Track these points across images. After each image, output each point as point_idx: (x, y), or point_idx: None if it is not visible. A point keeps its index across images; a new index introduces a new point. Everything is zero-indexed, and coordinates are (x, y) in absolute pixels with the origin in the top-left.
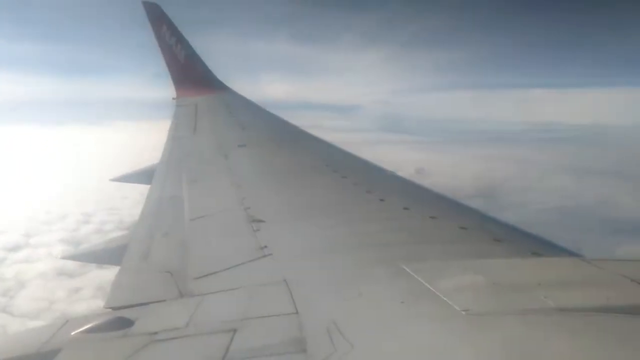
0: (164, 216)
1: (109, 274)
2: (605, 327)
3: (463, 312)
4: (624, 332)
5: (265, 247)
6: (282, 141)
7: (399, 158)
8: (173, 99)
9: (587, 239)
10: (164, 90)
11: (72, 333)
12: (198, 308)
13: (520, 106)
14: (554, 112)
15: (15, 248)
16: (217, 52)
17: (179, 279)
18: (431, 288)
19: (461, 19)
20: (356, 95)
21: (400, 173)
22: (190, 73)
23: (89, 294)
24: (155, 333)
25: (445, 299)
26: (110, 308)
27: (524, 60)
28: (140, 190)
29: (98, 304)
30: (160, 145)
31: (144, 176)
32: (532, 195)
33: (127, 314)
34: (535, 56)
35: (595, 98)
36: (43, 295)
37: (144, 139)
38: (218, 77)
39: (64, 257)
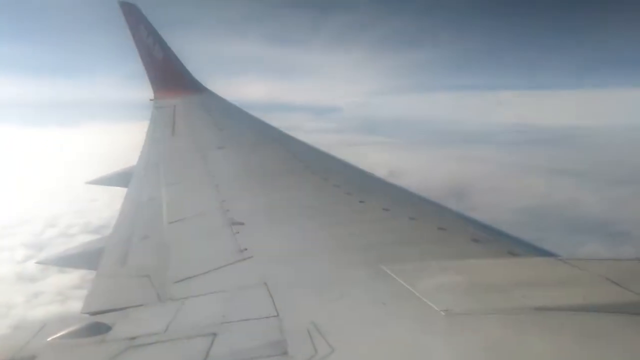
0: (142, 219)
1: (69, 278)
2: (583, 326)
3: (443, 313)
4: (601, 330)
5: (245, 249)
6: (262, 143)
7: (373, 159)
8: (151, 100)
9: (553, 238)
10: (142, 91)
11: (48, 339)
12: (177, 312)
13: (494, 108)
14: (528, 113)
15: None
16: (193, 53)
17: (157, 283)
18: (411, 289)
19: (437, 20)
20: (334, 96)
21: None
22: (168, 74)
23: (48, 299)
24: (134, 338)
25: (425, 299)
26: (87, 313)
27: (499, 62)
28: (111, 193)
29: (57, 309)
30: (138, 147)
31: (122, 178)
32: (502, 195)
33: (104, 319)
34: (511, 58)
35: (566, 100)
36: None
37: (122, 140)
38: (195, 78)
39: (40, 262)
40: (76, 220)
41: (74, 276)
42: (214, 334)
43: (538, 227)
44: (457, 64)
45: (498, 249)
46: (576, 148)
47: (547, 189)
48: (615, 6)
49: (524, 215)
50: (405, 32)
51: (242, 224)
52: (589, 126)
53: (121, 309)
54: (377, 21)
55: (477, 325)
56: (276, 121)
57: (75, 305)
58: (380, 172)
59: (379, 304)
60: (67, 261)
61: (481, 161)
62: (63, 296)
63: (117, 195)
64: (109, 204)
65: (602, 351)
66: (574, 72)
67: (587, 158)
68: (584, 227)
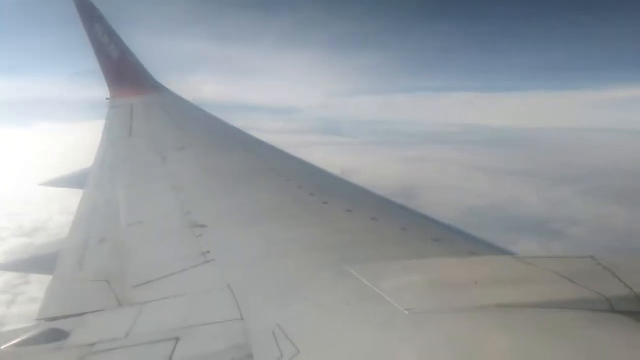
0: (100, 222)
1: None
2: (543, 323)
3: (406, 312)
4: (560, 326)
5: (208, 252)
6: (223, 143)
7: (329, 159)
8: (107, 99)
9: (491, 236)
10: (97, 90)
11: (2, 347)
12: (138, 317)
13: (451, 109)
14: (483, 115)
15: None
16: (148, 52)
17: (117, 288)
18: (375, 289)
19: (397, 23)
20: (294, 97)
21: None
22: (125, 73)
23: None
24: (93, 344)
25: (388, 299)
26: (43, 319)
27: (457, 65)
28: (49, 195)
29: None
30: (94, 148)
31: (77, 180)
32: (450, 195)
33: (61, 325)
34: (468, 61)
35: (520, 102)
36: None
37: (77, 141)
38: (153, 77)
39: None
40: (8, 225)
41: (17, 281)
42: (177, 339)
43: (479, 225)
44: (415, 66)
45: (458, 249)
46: (526, 149)
47: (493, 189)
48: (570, 11)
49: (468, 214)
50: (366, 34)
51: (204, 226)
52: (541, 127)
53: (79, 314)
54: (338, 22)
55: (440, 323)
56: (235, 121)
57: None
58: (335, 172)
59: (344, 305)
60: (16, 266)
61: (434, 161)
62: None
63: (62, 196)
64: (43, 206)
65: (563, 347)
66: (529, 75)
67: (536, 159)
68: (522, 225)
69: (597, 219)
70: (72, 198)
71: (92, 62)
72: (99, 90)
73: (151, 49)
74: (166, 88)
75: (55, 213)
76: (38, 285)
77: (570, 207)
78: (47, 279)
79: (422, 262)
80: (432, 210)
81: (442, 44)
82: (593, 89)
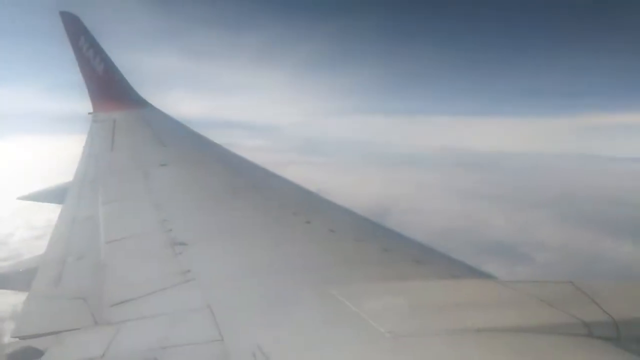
0: (78, 238)
1: None
2: (520, 346)
3: (388, 334)
4: (537, 350)
5: (188, 271)
6: (206, 161)
7: (304, 178)
8: (89, 113)
9: (463, 259)
10: (80, 104)
11: None
12: (115, 337)
13: (424, 131)
14: (455, 138)
15: None
16: (128, 67)
17: (93, 306)
18: (357, 311)
19: (374, 44)
20: (274, 115)
21: None
22: (109, 87)
23: None
24: None
25: (370, 321)
26: (17, 337)
27: (431, 88)
28: (17, 208)
29: None
30: (74, 162)
31: (56, 195)
32: (420, 216)
33: (36, 343)
34: (441, 84)
35: (493, 126)
36: None
37: (57, 155)
38: (137, 92)
39: None
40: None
41: None
42: None
43: (447, 247)
44: (394, 88)
45: (440, 271)
46: (500, 172)
47: (464, 211)
48: (546, 39)
49: (436, 235)
50: (348, 55)
51: (185, 244)
52: (515, 152)
53: (55, 332)
54: (320, 42)
55: (420, 346)
56: (215, 138)
57: None
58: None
59: (325, 326)
60: None
61: (409, 183)
62: None
63: (36, 211)
64: (9, 220)
65: None
66: (505, 100)
67: (508, 182)
68: (490, 248)
69: (564, 242)
70: (41, 213)
71: (74, 75)
72: (81, 103)
73: (133, 64)
74: (150, 104)
75: (19, 227)
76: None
77: (538, 230)
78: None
79: (403, 284)
80: (402, 231)
81: (421, 68)
82: (567, 115)
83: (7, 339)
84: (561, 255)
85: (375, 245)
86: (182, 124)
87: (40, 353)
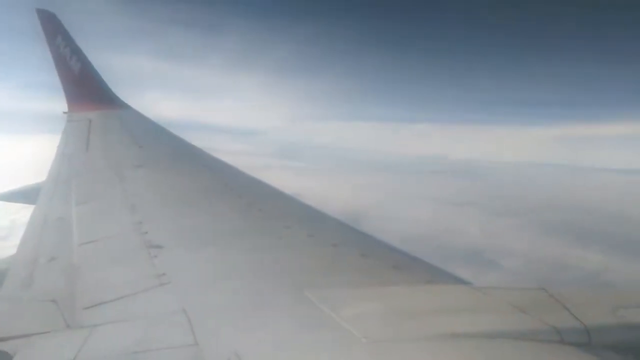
0: (50, 239)
1: None
2: (493, 352)
3: (364, 340)
4: (509, 356)
5: (164, 274)
6: (183, 163)
7: (282, 183)
8: (64, 112)
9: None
10: (55, 103)
11: None
12: (87, 341)
13: (403, 139)
14: (433, 146)
15: None
16: (106, 68)
17: (65, 309)
18: (334, 316)
19: (363, 52)
20: (257, 120)
21: None
22: (85, 86)
23: None
24: None
25: (347, 326)
26: None
27: (420, 96)
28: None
29: None
30: (48, 162)
31: (29, 195)
32: (393, 222)
33: (5, 346)
34: (431, 93)
35: (471, 134)
36: None
37: (30, 154)
38: (114, 93)
39: None
40: None
41: None
42: None
43: (417, 253)
44: (375, 95)
45: (416, 277)
46: (476, 180)
47: (437, 218)
48: (528, 48)
49: (407, 241)
50: (330, 61)
51: (160, 247)
52: (496, 161)
53: (25, 336)
54: (304, 48)
55: (397, 351)
56: (193, 141)
57: None
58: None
59: (302, 331)
60: None
61: (387, 189)
62: None
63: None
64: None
65: None
66: (485, 109)
67: (483, 190)
68: (459, 255)
69: (534, 250)
70: (6, 214)
71: (49, 74)
72: (56, 103)
73: (111, 64)
74: (127, 104)
75: None
76: None
77: (510, 238)
78: None
79: (381, 289)
80: (379, 236)
81: (403, 75)
82: (548, 125)
83: None
84: (530, 263)
85: (353, 251)
86: (159, 125)
87: (9, 357)
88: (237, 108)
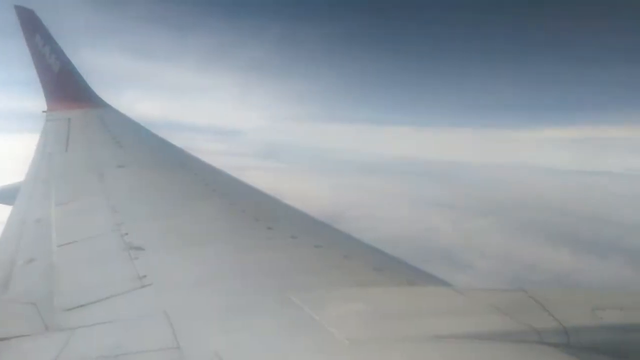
0: (29, 240)
1: None
2: (474, 353)
3: (346, 341)
4: (490, 357)
5: (145, 276)
6: (165, 163)
7: (265, 184)
8: (43, 112)
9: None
10: (34, 101)
11: None
12: (67, 343)
13: (383, 141)
14: (413, 148)
15: None
16: (85, 67)
17: (44, 311)
18: (316, 317)
19: (343, 54)
20: (238, 119)
21: None
22: (65, 85)
23: None
24: None
25: (329, 327)
26: None
27: (399, 99)
28: None
29: None
30: (27, 162)
31: (6, 195)
32: (370, 223)
33: None
34: (411, 95)
35: (451, 136)
36: None
37: (8, 154)
38: (94, 92)
39: None
40: None
41: None
42: None
43: (394, 253)
44: (357, 96)
45: (398, 278)
46: (454, 182)
47: (414, 218)
48: (511, 51)
49: (384, 242)
50: (312, 62)
51: (141, 248)
52: (471, 162)
53: (3, 339)
54: (286, 48)
55: (378, 353)
56: (174, 140)
57: None
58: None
59: (284, 333)
60: None
61: (366, 190)
62: None
63: None
64: None
65: None
66: (465, 111)
67: (460, 192)
68: (433, 255)
69: (507, 251)
70: None
71: (28, 72)
72: (35, 101)
73: (91, 63)
74: (107, 103)
75: None
76: None
77: (484, 239)
78: None
79: (362, 290)
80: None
81: (383, 77)
82: (526, 128)
83: None
84: (503, 263)
85: (335, 252)
86: (140, 125)
87: None
88: (218, 108)
